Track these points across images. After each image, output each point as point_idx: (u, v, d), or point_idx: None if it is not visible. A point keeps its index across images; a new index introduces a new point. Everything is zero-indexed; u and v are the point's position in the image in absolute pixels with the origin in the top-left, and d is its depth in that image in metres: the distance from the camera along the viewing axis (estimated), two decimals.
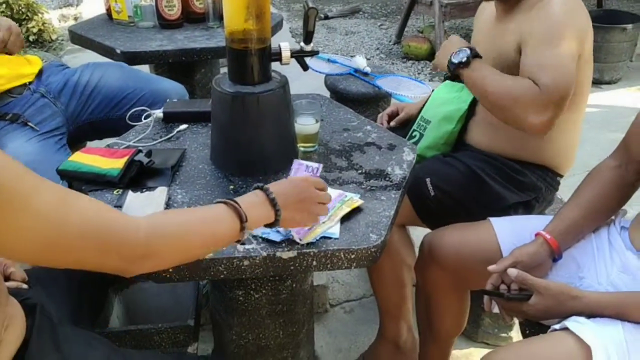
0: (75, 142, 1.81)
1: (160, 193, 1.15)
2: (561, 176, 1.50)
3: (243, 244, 0.97)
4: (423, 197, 1.43)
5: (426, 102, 1.67)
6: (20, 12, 3.97)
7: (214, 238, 0.89)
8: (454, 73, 1.37)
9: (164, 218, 0.88)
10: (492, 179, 1.44)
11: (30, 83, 1.72)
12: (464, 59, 1.34)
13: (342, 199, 1.16)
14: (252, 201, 0.93)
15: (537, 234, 1.19)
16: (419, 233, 1.60)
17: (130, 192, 1.14)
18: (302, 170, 1.15)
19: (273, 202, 0.94)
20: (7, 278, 1.09)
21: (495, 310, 1.20)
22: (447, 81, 1.60)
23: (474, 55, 1.35)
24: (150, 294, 1.50)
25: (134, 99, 1.74)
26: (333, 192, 1.17)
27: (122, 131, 1.45)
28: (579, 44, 1.27)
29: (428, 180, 1.44)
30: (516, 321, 1.58)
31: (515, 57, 1.32)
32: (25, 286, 1.08)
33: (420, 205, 1.45)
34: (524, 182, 1.45)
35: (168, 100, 1.59)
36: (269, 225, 0.96)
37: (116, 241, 0.76)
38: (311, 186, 1.01)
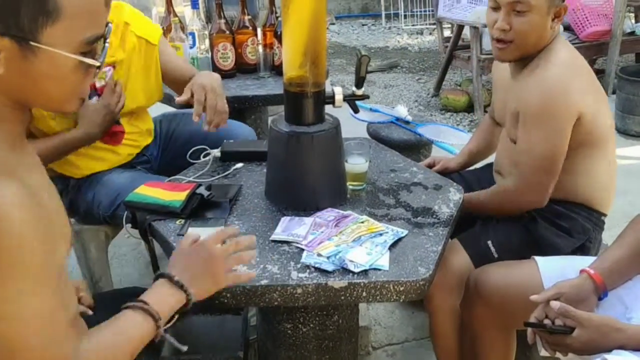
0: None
1: None
2: (605, 215, 1.51)
3: (159, 341, 0.93)
4: (488, 260, 1.45)
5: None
6: None
7: (136, 347, 0.88)
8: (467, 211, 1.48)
9: (91, 346, 0.84)
10: (546, 230, 1.47)
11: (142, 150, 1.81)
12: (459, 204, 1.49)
13: (355, 220, 1.23)
14: (159, 294, 0.92)
15: (581, 271, 1.20)
16: None
17: (189, 231, 1.19)
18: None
19: (179, 285, 0.93)
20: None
21: (543, 353, 1.20)
22: None
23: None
24: (200, 326, 1.55)
25: (207, 143, 1.77)
26: (332, 212, 1.27)
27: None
28: (568, 119, 1.34)
29: (490, 243, 1.48)
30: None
31: (518, 117, 1.41)
32: (90, 312, 1.12)
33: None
34: (573, 227, 1.47)
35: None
36: (185, 306, 0.94)
37: None
38: (209, 246, 0.98)
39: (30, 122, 1.50)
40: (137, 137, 1.75)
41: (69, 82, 0.79)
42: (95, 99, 1.57)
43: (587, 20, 3.90)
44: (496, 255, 1.46)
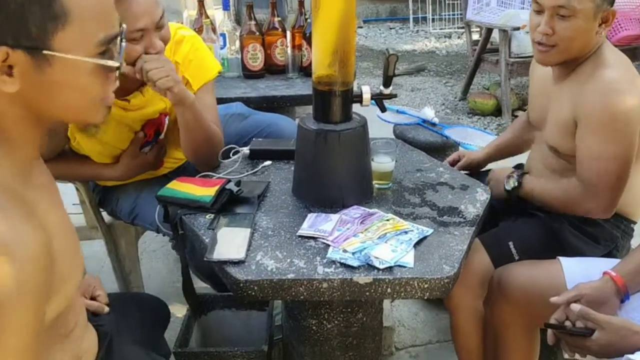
0: None
1: (244, 234, 1.19)
2: (635, 222, 1.48)
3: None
4: (508, 261, 1.44)
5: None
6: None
7: None
8: (513, 196, 1.50)
9: None
10: (572, 235, 1.45)
11: None
12: (516, 184, 1.48)
13: (381, 218, 1.24)
14: None
15: (604, 273, 1.19)
16: None
17: (218, 227, 1.22)
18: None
19: None
20: (92, 299, 1.16)
21: (568, 355, 1.19)
22: None
23: (522, 174, 1.49)
24: (226, 321, 1.58)
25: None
26: (358, 209, 1.28)
27: None
28: (633, 132, 1.30)
29: (511, 244, 1.46)
30: None
31: (571, 125, 1.36)
32: (107, 309, 1.15)
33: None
34: (600, 234, 1.45)
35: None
36: None
37: None
38: None
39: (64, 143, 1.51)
40: (179, 155, 1.68)
41: (90, 89, 0.76)
42: (147, 148, 1.57)
43: (619, 25, 3.83)
44: (517, 257, 1.44)
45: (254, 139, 1.66)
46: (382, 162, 1.39)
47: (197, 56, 1.56)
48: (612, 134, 1.29)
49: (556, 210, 1.46)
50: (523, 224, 1.50)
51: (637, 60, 4.01)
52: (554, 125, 1.42)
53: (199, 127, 1.44)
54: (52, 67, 0.71)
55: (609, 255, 1.46)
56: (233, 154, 1.55)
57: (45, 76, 0.71)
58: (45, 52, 0.70)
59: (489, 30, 4.08)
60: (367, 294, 1.10)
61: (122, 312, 1.23)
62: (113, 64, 0.76)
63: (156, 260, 2.43)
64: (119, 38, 0.77)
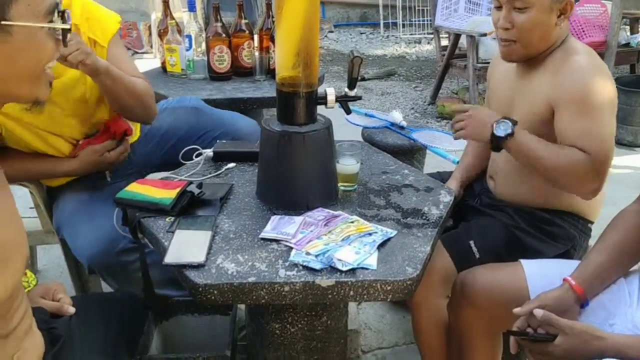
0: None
1: (204, 237, 1.17)
2: (592, 222, 1.51)
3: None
4: (469, 260, 1.45)
5: None
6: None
7: None
8: (499, 145, 1.35)
9: None
10: (530, 235, 1.47)
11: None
12: (509, 131, 1.33)
13: (345, 220, 1.23)
14: None
15: (564, 280, 1.20)
16: None
17: (177, 230, 1.19)
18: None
19: None
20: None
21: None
22: None
23: (515, 123, 1.35)
24: (188, 326, 1.55)
25: (207, 140, 1.74)
26: (322, 211, 1.27)
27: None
28: (614, 113, 1.32)
29: (472, 243, 1.47)
30: None
31: (546, 116, 1.37)
32: (72, 310, 1.12)
33: (466, 267, 1.45)
34: (559, 233, 1.47)
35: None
36: None
37: None
38: None
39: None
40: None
41: (44, 53, 0.86)
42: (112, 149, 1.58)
43: (584, 31, 3.94)
44: (478, 256, 1.45)
45: (210, 135, 1.64)
46: (347, 164, 1.39)
47: (93, 14, 1.55)
48: (599, 112, 1.29)
49: (544, 174, 1.36)
50: (483, 224, 1.51)
51: None
52: (524, 118, 1.40)
53: (121, 88, 1.46)
54: (13, 37, 0.81)
55: (567, 253, 1.48)
56: (196, 156, 1.53)
57: (6, 45, 0.81)
58: (4, 22, 0.79)
59: (457, 36, 4.14)
60: (330, 296, 1.09)
61: (87, 316, 1.19)
62: (65, 26, 0.87)
63: None
64: (57, 5, 0.87)
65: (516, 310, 1.16)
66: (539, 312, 1.11)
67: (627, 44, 4.17)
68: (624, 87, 3.49)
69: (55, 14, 0.86)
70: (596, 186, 1.32)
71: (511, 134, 1.33)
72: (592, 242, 1.54)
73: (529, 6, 1.32)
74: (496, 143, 1.35)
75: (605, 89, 1.31)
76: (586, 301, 1.18)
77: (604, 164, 1.30)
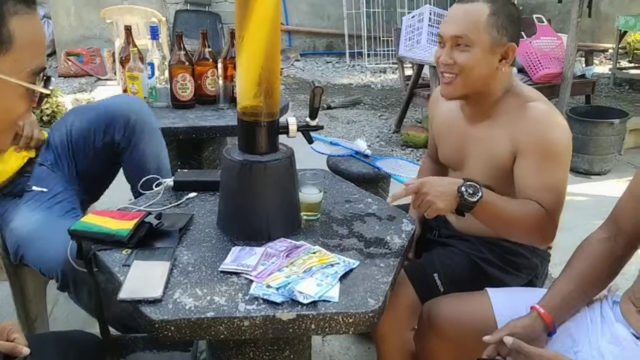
0: (92, 199, 1.92)
1: (162, 270, 1.13)
2: (550, 247, 1.54)
3: None
4: (433, 294, 1.44)
5: None
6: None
7: None
8: (465, 210, 1.27)
9: None
10: (494, 266, 1.48)
11: (36, 157, 1.75)
12: (480, 194, 1.25)
13: (307, 251, 1.22)
14: None
15: (531, 307, 1.21)
16: None
17: (134, 263, 1.15)
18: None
19: None
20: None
21: None
22: None
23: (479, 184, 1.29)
24: None
25: (101, 129, 1.76)
26: (284, 242, 1.25)
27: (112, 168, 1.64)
28: (569, 162, 1.36)
29: (436, 276, 1.46)
30: None
31: (506, 163, 1.38)
32: (26, 351, 1.06)
33: (429, 299, 1.45)
34: (522, 263, 1.49)
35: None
36: None
37: None
38: None
39: None
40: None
41: (15, 111, 0.84)
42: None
43: (540, 63, 4.08)
44: (442, 289, 1.45)
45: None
46: (309, 194, 1.38)
47: None
48: (558, 163, 1.33)
49: (502, 230, 1.37)
50: (446, 255, 1.51)
51: (556, 96, 4.28)
52: (486, 165, 1.41)
53: None
54: None
55: (529, 283, 1.49)
56: (156, 186, 1.49)
57: None
58: None
59: (420, 66, 4.24)
60: (291, 330, 1.06)
61: (42, 357, 1.13)
62: (45, 91, 0.85)
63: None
64: (44, 70, 0.85)
65: (486, 338, 1.16)
66: (508, 340, 1.11)
67: (583, 75, 4.34)
68: (580, 117, 3.61)
69: (40, 76, 0.85)
70: (552, 234, 1.36)
71: (481, 197, 1.26)
72: (556, 270, 1.56)
73: (471, 45, 1.34)
74: (463, 209, 1.27)
75: (565, 136, 1.34)
76: (554, 329, 1.19)
77: (558, 215, 1.35)
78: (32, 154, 1.75)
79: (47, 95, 0.87)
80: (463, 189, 1.25)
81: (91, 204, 1.98)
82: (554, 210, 1.33)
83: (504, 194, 1.34)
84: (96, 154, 1.79)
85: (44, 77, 0.86)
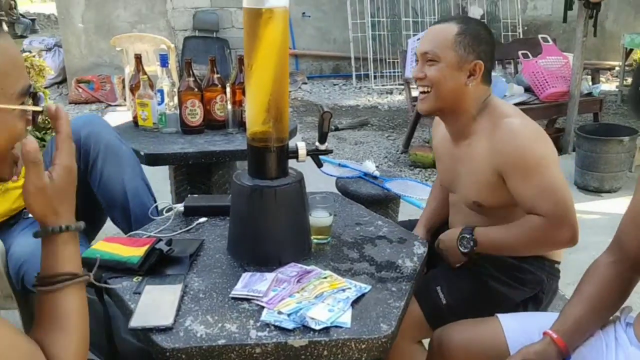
0: (93, 226, 1.87)
1: (173, 298, 1.13)
2: (558, 262, 1.52)
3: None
4: (436, 306, 1.45)
5: None
6: (46, 121, 4.23)
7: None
8: (471, 255, 1.45)
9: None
10: (498, 281, 1.47)
11: None
12: (472, 243, 1.42)
13: (318, 275, 1.21)
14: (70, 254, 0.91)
15: (544, 333, 1.19)
16: None
17: (145, 290, 1.16)
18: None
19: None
20: None
21: None
22: None
23: (472, 231, 1.43)
24: None
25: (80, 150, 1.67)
26: (295, 267, 1.25)
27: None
28: (557, 164, 1.37)
29: (439, 288, 1.46)
30: None
31: (494, 181, 1.39)
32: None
33: (433, 315, 1.46)
34: (526, 277, 1.48)
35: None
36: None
37: None
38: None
39: None
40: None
41: (13, 134, 0.85)
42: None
43: (547, 82, 4.09)
44: (444, 302, 1.44)
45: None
46: (319, 217, 1.38)
47: None
48: (542, 169, 1.33)
49: (518, 253, 1.45)
50: (450, 270, 1.51)
51: (563, 114, 4.27)
52: (474, 184, 1.44)
53: None
54: None
55: (535, 297, 1.48)
56: (166, 211, 1.50)
57: None
58: None
59: None
60: (303, 357, 1.05)
61: None
62: (37, 108, 0.87)
63: None
64: (30, 87, 0.87)
65: None
66: None
67: (590, 94, 4.34)
68: (588, 135, 3.60)
69: (28, 96, 0.86)
70: (568, 235, 1.34)
71: (474, 244, 1.42)
72: (568, 289, 1.54)
73: (438, 60, 1.40)
74: (468, 255, 1.45)
75: (542, 146, 1.36)
76: (568, 355, 1.16)
77: (566, 215, 1.33)
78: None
79: (41, 112, 0.88)
80: (458, 243, 1.45)
81: (90, 234, 1.91)
82: (557, 212, 1.32)
83: (499, 208, 1.41)
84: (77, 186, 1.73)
85: (31, 95, 0.87)
